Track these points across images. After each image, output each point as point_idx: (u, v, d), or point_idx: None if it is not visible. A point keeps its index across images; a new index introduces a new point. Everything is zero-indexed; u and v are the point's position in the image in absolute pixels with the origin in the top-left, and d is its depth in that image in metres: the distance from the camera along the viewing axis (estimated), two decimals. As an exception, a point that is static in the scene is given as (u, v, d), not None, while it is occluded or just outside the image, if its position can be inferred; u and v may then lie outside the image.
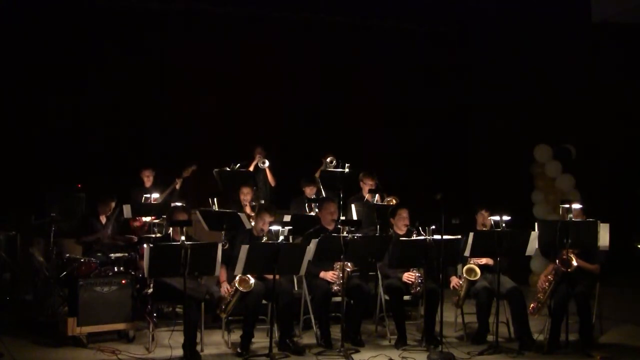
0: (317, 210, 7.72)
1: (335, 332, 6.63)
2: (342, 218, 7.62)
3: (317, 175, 8.84)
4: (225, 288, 6.51)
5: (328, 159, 9.17)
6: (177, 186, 8.97)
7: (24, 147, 9.78)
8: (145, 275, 6.17)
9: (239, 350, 6.33)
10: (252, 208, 8.16)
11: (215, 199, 7.79)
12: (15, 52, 9.82)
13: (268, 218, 6.74)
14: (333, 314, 6.89)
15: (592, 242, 6.50)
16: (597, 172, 10.48)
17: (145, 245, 6.13)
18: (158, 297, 6.68)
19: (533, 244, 6.58)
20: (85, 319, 6.49)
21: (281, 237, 6.46)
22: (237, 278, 6.29)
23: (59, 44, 10.06)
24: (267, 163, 9.40)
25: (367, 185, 8.53)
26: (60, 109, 10.14)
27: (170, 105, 10.69)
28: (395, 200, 8.30)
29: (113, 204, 8.29)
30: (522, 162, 10.57)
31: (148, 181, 9.07)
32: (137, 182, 9.09)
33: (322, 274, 6.72)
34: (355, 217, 8.13)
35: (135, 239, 8.11)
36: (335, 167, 8.85)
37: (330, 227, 6.99)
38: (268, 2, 10.92)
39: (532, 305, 6.80)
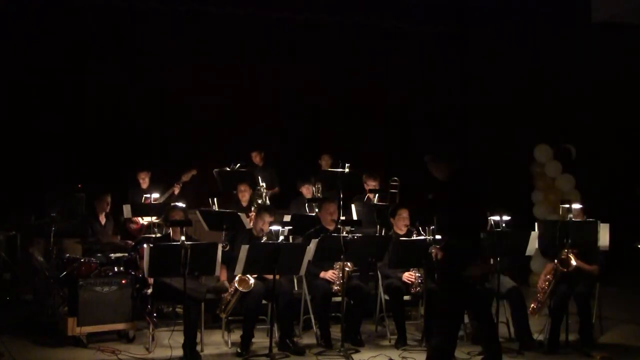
0: (317, 210, 7.73)
1: (335, 332, 6.63)
2: (342, 218, 7.62)
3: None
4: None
5: (324, 162, 9.22)
6: (176, 191, 8.96)
7: (24, 148, 9.78)
8: (145, 275, 6.18)
9: (239, 350, 6.32)
10: (251, 207, 8.21)
11: (215, 199, 7.80)
12: (14, 52, 9.82)
13: (268, 218, 6.75)
14: (333, 314, 6.88)
15: (592, 242, 6.51)
16: (597, 172, 10.48)
17: (145, 245, 6.14)
18: (158, 297, 6.69)
19: (533, 244, 6.59)
20: (85, 319, 6.48)
21: (281, 237, 6.46)
22: (237, 278, 6.29)
23: (59, 44, 10.08)
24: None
25: (369, 186, 8.53)
26: (60, 109, 10.14)
27: (170, 105, 10.69)
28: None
29: (109, 199, 8.30)
30: (522, 162, 10.57)
31: (144, 183, 9.08)
32: (135, 184, 9.09)
33: (322, 274, 6.73)
34: (355, 217, 8.13)
35: (132, 243, 8.12)
36: (333, 167, 8.87)
37: (331, 227, 6.99)
38: (268, 2, 10.93)
39: (532, 305, 6.80)
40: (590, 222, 6.60)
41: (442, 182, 5.69)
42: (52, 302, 7.25)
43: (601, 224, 6.56)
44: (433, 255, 5.78)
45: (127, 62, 10.45)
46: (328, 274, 6.72)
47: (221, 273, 6.51)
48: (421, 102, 11.41)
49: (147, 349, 6.45)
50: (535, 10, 10.57)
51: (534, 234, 6.58)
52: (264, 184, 8.82)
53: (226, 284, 6.53)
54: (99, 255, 7.56)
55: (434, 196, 6.19)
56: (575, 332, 6.64)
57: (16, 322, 7.35)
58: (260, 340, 6.53)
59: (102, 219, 8.31)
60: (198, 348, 6.26)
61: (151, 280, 6.56)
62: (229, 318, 6.72)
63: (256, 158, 9.73)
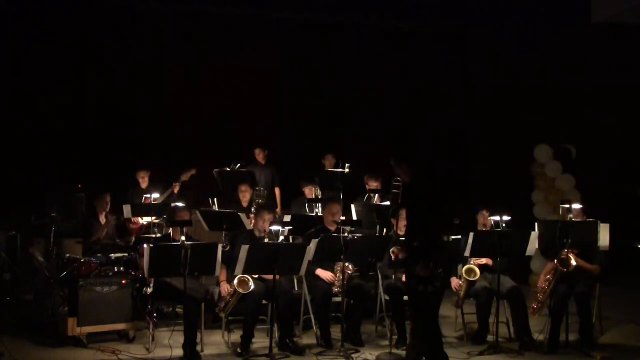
0: (317, 210, 7.74)
1: (335, 332, 6.64)
2: (342, 218, 7.62)
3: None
4: (224, 288, 6.51)
5: (327, 162, 9.22)
6: (175, 190, 8.96)
7: (24, 147, 9.78)
8: (145, 275, 6.18)
9: (239, 350, 6.33)
10: (251, 207, 8.20)
11: (215, 199, 7.80)
12: (14, 52, 9.81)
13: (267, 216, 6.75)
14: (333, 314, 6.89)
15: (592, 242, 6.51)
16: (597, 172, 10.48)
17: (145, 245, 6.14)
18: (158, 297, 6.69)
19: (533, 244, 6.59)
20: (85, 319, 6.49)
21: (281, 237, 6.46)
22: (236, 280, 6.29)
23: (59, 44, 10.06)
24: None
25: (370, 186, 8.53)
26: (60, 109, 10.14)
27: (169, 105, 10.69)
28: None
29: (108, 198, 8.30)
30: (522, 162, 10.57)
31: (143, 182, 9.06)
32: (134, 183, 9.09)
33: (319, 271, 6.72)
34: (354, 217, 8.13)
35: (133, 238, 8.13)
36: (335, 167, 8.88)
37: (332, 227, 6.98)
38: (268, 2, 10.92)
39: (532, 305, 6.80)
40: (590, 222, 6.60)
41: (404, 184, 5.77)
42: (52, 302, 7.25)
43: (601, 224, 6.57)
44: (393, 256, 5.78)
45: (127, 62, 10.44)
46: (328, 275, 6.71)
47: (221, 273, 6.51)
48: (421, 102, 11.41)
49: (147, 349, 6.45)
50: (535, 10, 10.56)
51: (534, 234, 6.58)
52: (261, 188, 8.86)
53: (224, 287, 6.52)
54: (99, 255, 7.56)
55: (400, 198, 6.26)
56: (575, 332, 6.64)
57: (16, 322, 7.35)
58: (260, 340, 6.53)
59: (102, 219, 8.30)
60: (198, 348, 6.26)
61: (151, 280, 6.56)
62: (229, 318, 6.73)
63: (259, 155, 9.72)
